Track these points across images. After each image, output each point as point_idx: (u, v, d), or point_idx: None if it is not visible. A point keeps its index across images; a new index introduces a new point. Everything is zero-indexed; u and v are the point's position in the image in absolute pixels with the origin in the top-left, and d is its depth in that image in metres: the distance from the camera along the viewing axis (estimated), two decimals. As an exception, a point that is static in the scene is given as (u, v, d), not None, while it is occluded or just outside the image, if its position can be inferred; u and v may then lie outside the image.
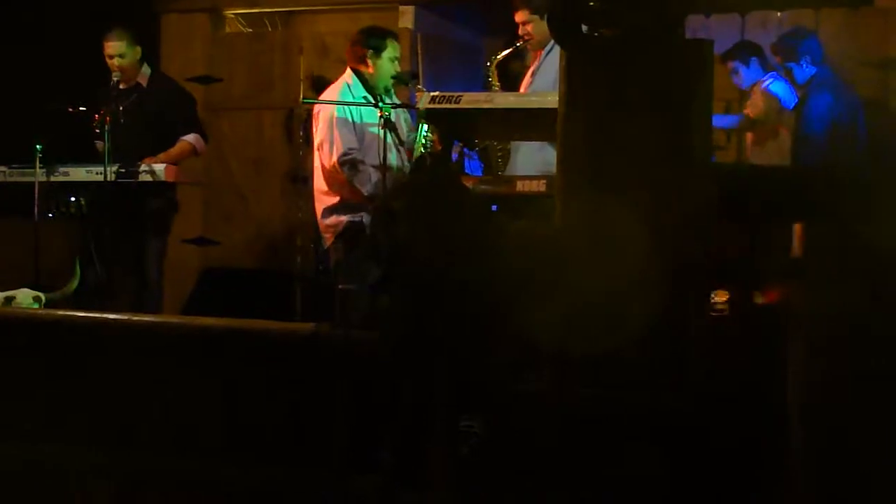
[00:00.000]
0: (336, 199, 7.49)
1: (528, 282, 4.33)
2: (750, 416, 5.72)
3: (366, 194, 7.22)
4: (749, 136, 8.24)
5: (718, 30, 8.77)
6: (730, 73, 8.23)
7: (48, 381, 5.11)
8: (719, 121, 8.03)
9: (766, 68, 8.12)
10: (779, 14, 8.83)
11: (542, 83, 7.02)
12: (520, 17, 7.21)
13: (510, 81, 7.59)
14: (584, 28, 4.16)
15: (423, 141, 6.97)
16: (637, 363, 4.21)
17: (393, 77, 7.62)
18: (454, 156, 7.25)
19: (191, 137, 8.31)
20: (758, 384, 5.86)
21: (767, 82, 8.09)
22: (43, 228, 7.83)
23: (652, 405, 4.20)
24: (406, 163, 7.41)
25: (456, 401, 4.32)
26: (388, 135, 7.18)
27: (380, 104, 7.24)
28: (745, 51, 8.21)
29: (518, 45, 7.30)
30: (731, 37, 8.71)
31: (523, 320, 4.30)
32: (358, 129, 7.45)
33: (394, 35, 7.80)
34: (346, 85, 7.61)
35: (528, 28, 7.18)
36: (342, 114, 7.45)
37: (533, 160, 6.96)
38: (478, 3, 9.49)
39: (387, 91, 7.64)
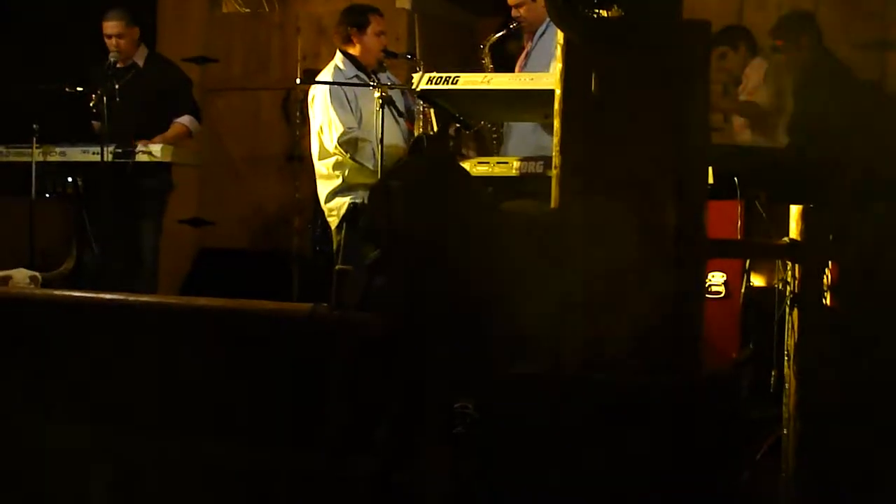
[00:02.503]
0: (338, 182, 7.50)
1: (525, 264, 4.33)
2: (746, 398, 5.74)
3: (371, 168, 7.23)
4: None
5: (716, 11, 8.75)
6: (719, 55, 8.21)
7: (44, 361, 5.11)
8: None
9: (754, 52, 8.10)
10: (777, -7, 8.84)
11: (535, 65, 7.01)
12: None
13: (507, 62, 7.58)
14: (582, 8, 4.15)
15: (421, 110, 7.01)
16: (633, 345, 4.21)
17: (382, 51, 7.63)
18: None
19: (185, 119, 8.33)
20: (754, 366, 5.88)
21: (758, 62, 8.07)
22: (39, 208, 7.83)
23: (647, 387, 4.20)
24: (407, 134, 7.44)
25: (451, 382, 4.32)
26: (386, 110, 7.19)
27: (375, 84, 7.25)
28: (737, 34, 8.18)
29: (510, 27, 7.28)
30: (728, 19, 8.71)
31: (520, 303, 4.30)
32: (354, 108, 7.46)
33: (375, 10, 7.80)
34: (336, 67, 7.62)
35: (521, 10, 7.17)
36: (337, 94, 7.46)
37: (527, 142, 6.96)
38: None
39: (380, 65, 7.65)
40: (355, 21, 7.64)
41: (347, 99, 7.49)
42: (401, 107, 7.57)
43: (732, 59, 8.17)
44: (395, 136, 7.42)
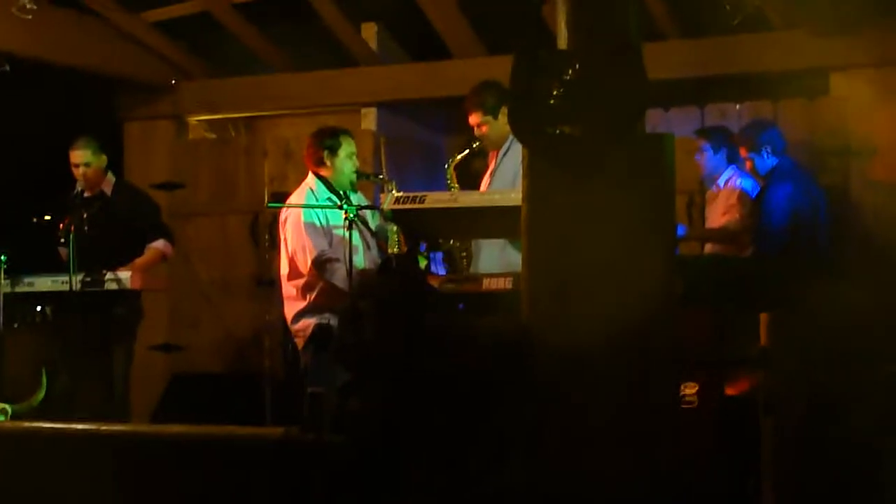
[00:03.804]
0: (304, 304, 7.51)
1: (497, 379, 4.33)
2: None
3: (342, 289, 7.23)
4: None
5: (678, 123, 8.85)
6: (698, 150, 8.25)
7: (17, 494, 5.06)
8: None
9: (729, 160, 8.14)
10: (737, 105, 8.93)
11: (500, 183, 7.06)
12: (473, 119, 7.24)
13: (472, 180, 7.62)
14: (545, 126, 4.19)
15: (395, 231, 7.03)
16: (608, 454, 4.20)
17: (354, 172, 7.66)
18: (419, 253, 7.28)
19: (159, 244, 8.32)
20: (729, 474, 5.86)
21: (737, 180, 8.07)
22: (8, 338, 7.78)
23: (622, 497, 4.19)
24: (378, 254, 7.46)
25: (430, 500, 4.29)
26: (356, 232, 7.22)
27: (344, 206, 7.28)
28: (720, 137, 8.19)
29: (473, 146, 7.32)
30: (690, 130, 8.79)
31: (494, 416, 4.29)
32: (326, 232, 7.49)
33: (347, 132, 7.84)
34: (309, 190, 7.65)
35: (483, 130, 7.21)
36: (309, 218, 7.49)
37: (496, 260, 6.97)
38: (438, 104, 9.57)
39: (352, 186, 7.68)
40: (327, 144, 7.67)
41: (320, 222, 7.52)
42: (373, 226, 7.61)
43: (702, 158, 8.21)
44: (368, 258, 7.45)
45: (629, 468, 4.20)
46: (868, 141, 8.47)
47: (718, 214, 8.07)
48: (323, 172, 7.68)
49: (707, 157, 8.17)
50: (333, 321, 7.26)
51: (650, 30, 8.44)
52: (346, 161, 7.65)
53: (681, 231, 8.02)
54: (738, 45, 8.65)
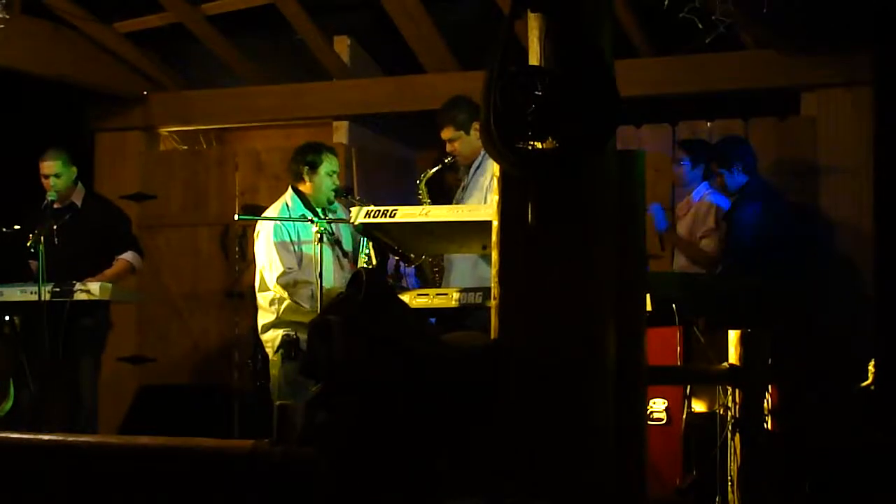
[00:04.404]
0: (273, 317, 7.52)
1: (466, 393, 4.33)
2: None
3: (308, 309, 7.24)
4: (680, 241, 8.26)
5: (649, 140, 8.88)
6: (675, 161, 8.26)
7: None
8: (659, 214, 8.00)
9: (705, 176, 8.15)
10: (708, 124, 8.97)
11: (472, 197, 7.07)
12: (445, 134, 7.26)
13: (445, 195, 7.63)
14: (517, 141, 4.20)
15: (365, 252, 7.03)
16: (574, 474, 4.21)
17: (333, 191, 7.66)
18: (390, 268, 7.28)
19: (128, 255, 8.32)
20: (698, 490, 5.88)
21: (710, 197, 8.07)
22: (-25, 348, 7.76)
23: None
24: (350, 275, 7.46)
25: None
26: (328, 250, 7.23)
27: (315, 220, 7.28)
28: (701, 152, 8.18)
29: (445, 161, 7.33)
30: (662, 147, 8.82)
31: (464, 434, 4.29)
32: (296, 248, 7.49)
33: (330, 149, 7.84)
34: (284, 204, 7.65)
35: (455, 145, 7.23)
36: (279, 237, 7.50)
37: (468, 274, 6.99)
38: (410, 118, 9.58)
39: (330, 204, 7.68)
40: (308, 159, 7.67)
41: (291, 239, 7.52)
42: (347, 247, 7.62)
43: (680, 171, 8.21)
44: (338, 277, 7.45)
45: (597, 483, 4.21)
46: (837, 160, 8.52)
47: (687, 230, 8.08)
48: (301, 188, 7.69)
49: (685, 171, 8.19)
50: (301, 334, 7.26)
51: (622, 47, 8.47)
52: (325, 178, 7.65)
53: (662, 225, 8.02)
54: (709, 63, 8.70)
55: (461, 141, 7.20)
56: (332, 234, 7.44)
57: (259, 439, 4.41)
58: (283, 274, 7.42)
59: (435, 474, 4.29)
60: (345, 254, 7.59)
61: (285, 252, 7.49)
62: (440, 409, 4.27)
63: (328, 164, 7.66)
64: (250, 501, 4.43)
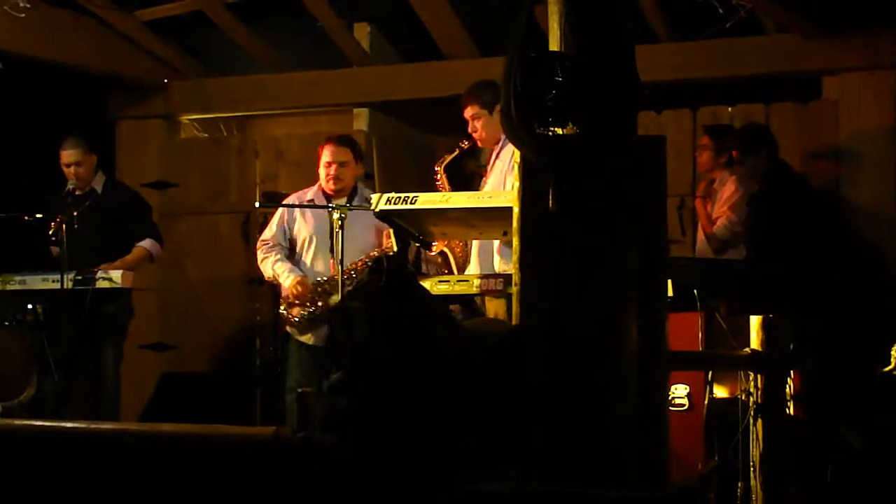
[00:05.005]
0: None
1: (488, 379, 4.33)
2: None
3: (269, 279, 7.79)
4: (701, 229, 8.25)
5: (670, 125, 8.86)
6: (702, 145, 8.25)
7: (5, 493, 5.05)
8: None
9: (728, 162, 8.12)
10: (729, 109, 8.94)
11: (494, 183, 7.04)
12: (469, 111, 7.16)
13: (464, 180, 7.61)
14: (537, 126, 4.19)
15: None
16: (597, 458, 4.21)
17: (331, 181, 7.76)
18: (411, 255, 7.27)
19: (146, 243, 8.32)
20: (719, 476, 5.86)
21: (734, 184, 8.03)
22: (-1, 337, 7.79)
23: (617, 500, 4.18)
24: (328, 270, 7.56)
25: (421, 500, 4.29)
26: (316, 233, 7.59)
27: (334, 206, 7.30)
28: (726, 138, 8.14)
29: (461, 146, 7.29)
30: (683, 132, 8.81)
31: (485, 416, 4.29)
32: (288, 229, 7.66)
33: (329, 139, 7.91)
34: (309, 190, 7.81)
35: (478, 123, 7.14)
36: (284, 211, 7.83)
37: (491, 261, 6.96)
38: (430, 105, 9.57)
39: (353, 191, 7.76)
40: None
41: (286, 220, 7.69)
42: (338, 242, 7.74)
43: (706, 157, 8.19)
44: (322, 259, 7.63)
45: (619, 468, 4.21)
46: (859, 144, 8.49)
47: (718, 206, 8.05)
48: None
49: (709, 156, 8.17)
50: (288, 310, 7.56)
51: (643, 32, 8.45)
52: (322, 169, 7.73)
53: None
54: (730, 48, 8.66)
55: (484, 121, 7.10)
56: (331, 224, 7.50)
57: (280, 426, 4.41)
58: (261, 240, 7.88)
59: (456, 460, 4.30)
60: (331, 249, 7.64)
61: (276, 225, 7.84)
62: (462, 395, 4.27)
63: (322, 156, 7.75)
64: (272, 489, 4.44)
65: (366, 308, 4.36)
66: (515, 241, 4.37)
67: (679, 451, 6.15)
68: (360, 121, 9.96)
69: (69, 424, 5.16)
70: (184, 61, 10.23)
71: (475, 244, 7.14)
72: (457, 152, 7.31)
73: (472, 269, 7.08)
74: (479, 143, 7.26)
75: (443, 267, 7.31)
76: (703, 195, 8.19)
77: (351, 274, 7.22)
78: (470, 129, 7.19)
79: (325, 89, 9.94)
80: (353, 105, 9.99)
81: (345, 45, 9.69)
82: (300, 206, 7.62)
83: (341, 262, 7.00)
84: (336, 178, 7.64)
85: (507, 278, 6.06)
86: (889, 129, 8.32)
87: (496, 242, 6.85)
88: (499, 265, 6.76)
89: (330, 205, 7.41)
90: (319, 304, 7.53)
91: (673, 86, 8.83)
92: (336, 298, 7.12)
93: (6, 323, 7.90)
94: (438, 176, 7.31)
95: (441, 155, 7.53)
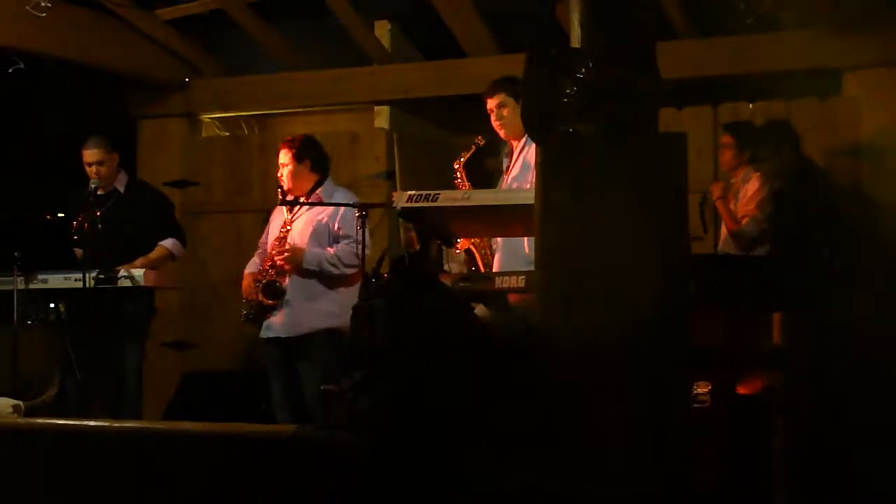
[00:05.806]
0: None
1: (509, 378, 4.33)
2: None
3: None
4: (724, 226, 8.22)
5: (691, 122, 8.84)
6: (724, 143, 8.21)
7: (29, 491, 5.07)
8: None
9: (750, 159, 8.08)
10: (750, 105, 8.92)
11: (521, 176, 6.98)
12: (494, 101, 7.02)
13: (485, 178, 7.59)
14: (558, 124, 4.19)
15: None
16: (618, 457, 4.20)
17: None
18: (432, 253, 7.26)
19: (168, 242, 8.33)
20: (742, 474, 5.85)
21: (756, 181, 8.00)
22: (22, 335, 7.80)
23: (633, 497, 4.18)
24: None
25: (439, 501, 4.29)
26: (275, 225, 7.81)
27: (354, 203, 7.33)
28: (748, 135, 8.10)
29: (477, 142, 7.24)
30: (703, 129, 8.79)
31: (506, 415, 4.30)
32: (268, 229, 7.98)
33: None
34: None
35: (504, 112, 7.02)
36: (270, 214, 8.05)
37: (517, 257, 6.91)
38: (451, 102, 9.56)
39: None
40: None
41: (268, 220, 8.07)
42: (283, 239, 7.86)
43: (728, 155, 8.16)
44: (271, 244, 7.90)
45: (641, 468, 4.20)
46: (880, 141, 8.46)
47: (743, 204, 8.02)
48: None
49: (732, 154, 8.14)
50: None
51: (664, 29, 8.43)
52: None
53: None
54: (751, 44, 8.64)
55: (510, 108, 6.99)
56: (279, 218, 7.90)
57: (302, 424, 4.42)
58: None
59: (477, 458, 4.30)
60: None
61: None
62: (482, 394, 4.27)
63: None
64: (294, 486, 4.45)
65: (387, 307, 4.36)
66: (535, 239, 4.37)
67: (700, 449, 6.13)
68: (381, 118, 9.96)
69: (92, 423, 5.18)
70: (205, 60, 10.25)
71: (500, 241, 7.11)
72: (473, 149, 7.27)
73: (499, 265, 7.04)
74: (502, 135, 7.14)
75: (468, 264, 7.27)
76: (721, 196, 8.15)
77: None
78: (493, 120, 7.08)
79: (346, 87, 9.95)
80: (374, 103, 9.99)
81: (365, 43, 9.70)
82: (319, 203, 7.63)
83: (362, 260, 7.05)
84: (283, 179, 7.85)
85: (528, 275, 6.04)
86: (910, 124, 8.30)
87: (525, 238, 6.80)
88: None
89: (354, 203, 7.43)
90: (260, 297, 7.75)
91: (694, 82, 8.81)
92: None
93: (29, 322, 7.92)
94: (458, 173, 7.29)
95: (460, 153, 7.51)
